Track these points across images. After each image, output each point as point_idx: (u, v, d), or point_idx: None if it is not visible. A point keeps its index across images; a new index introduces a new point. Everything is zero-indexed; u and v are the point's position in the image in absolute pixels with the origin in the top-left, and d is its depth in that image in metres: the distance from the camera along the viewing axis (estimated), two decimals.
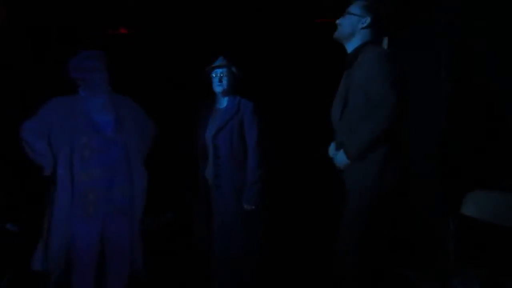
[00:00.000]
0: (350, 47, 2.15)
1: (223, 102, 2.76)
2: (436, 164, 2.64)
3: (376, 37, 2.14)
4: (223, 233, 2.64)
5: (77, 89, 2.36)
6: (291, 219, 3.51)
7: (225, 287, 2.68)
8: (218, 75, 2.72)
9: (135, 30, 3.75)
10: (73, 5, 3.30)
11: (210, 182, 2.71)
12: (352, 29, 2.13)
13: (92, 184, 2.26)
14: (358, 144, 1.98)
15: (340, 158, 2.07)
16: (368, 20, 2.11)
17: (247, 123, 2.65)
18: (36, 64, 3.29)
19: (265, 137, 2.69)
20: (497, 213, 2.07)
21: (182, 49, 3.68)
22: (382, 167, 1.98)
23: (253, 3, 3.45)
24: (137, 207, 2.40)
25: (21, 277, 2.50)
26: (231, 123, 2.65)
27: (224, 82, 2.71)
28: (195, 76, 2.91)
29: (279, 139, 3.34)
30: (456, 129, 2.50)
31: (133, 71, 3.38)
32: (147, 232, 2.50)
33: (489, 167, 2.24)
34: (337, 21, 2.17)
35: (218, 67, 2.73)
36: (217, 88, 2.73)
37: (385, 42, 3.20)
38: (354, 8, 2.15)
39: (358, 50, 2.10)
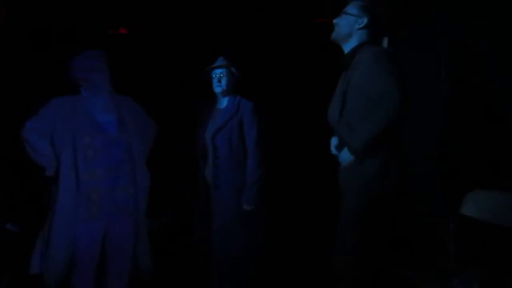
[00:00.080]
0: (347, 48, 2.14)
1: (223, 102, 2.76)
2: (436, 164, 2.64)
3: (373, 38, 2.12)
4: (223, 233, 2.64)
5: (78, 89, 2.36)
6: (290, 219, 3.51)
7: (225, 287, 2.68)
8: (218, 75, 2.72)
9: (135, 30, 3.75)
10: (73, 5, 3.30)
11: (209, 182, 2.71)
12: (349, 29, 2.11)
13: (95, 184, 2.25)
14: (361, 141, 1.95)
15: (344, 155, 2.05)
16: (365, 20, 2.09)
17: (246, 123, 2.65)
18: (36, 64, 3.28)
19: (265, 137, 2.69)
20: (497, 213, 2.07)
21: (182, 49, 3.68)
22: (381, 167, 1.98)
23: (253, 3, 3.45)
24: (140, 207, 2.39)
25: (21, 277, 2.50)
26: (230, 123, 2.66)
27: (223, 82, 2.71)
28: (195, 76, 2.91)
29: (279, 139, 3.34)
30: (456, 129, 2.50)
31: (133, 71, 3.38)
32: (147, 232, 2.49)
33: (489, 167, 2.24)
34: (334, 21, 2.16)
35: (218, 67, 2.73)
36: (217, 89, 2.73)
37: (385, 42, 3.20)
38: (351, 8, 2.14)
39: (355, 51, 2.09)
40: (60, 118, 2.25)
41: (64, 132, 2.23)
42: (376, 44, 2.14)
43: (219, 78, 2.71)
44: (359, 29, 2.10)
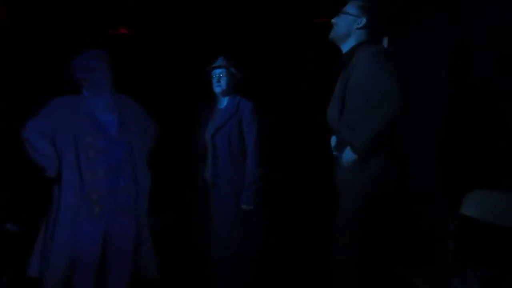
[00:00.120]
0: (345, 47, 2.13)
1: (223, 102, 2.76)
2: (436, 164, 2.64)
3: (371, 38, 2.11)
4: (222, 233, 2.64)
5: (79, 89, 2.36)
6: (290, 219, 3.51)
7: (225, 287, 2.68)
8: (217, 75, 2.72)
9: (135, 30, 3.75)
10: (73, 5, 3.30)
11: (209, 181, 2.71)
12: (348, 29, 2.10)
13: (97, 184, 2.24)
14: (363, 141, 1.94)
15: (346, 155, 2.03)
16: (364, 20, 2.08)
17: (246, 122, 2.65)
18: (36, 64, 3.29)
19: (264, 137, 2.68)
20: (497, 213, 2.07)
21: (182, 49, 3.68)
22: (381, 167, 1.98)
23: (252, 3, 3.45)
24: (142, 207, 2.39)
25: (21, 277, 2.49)
26: (230, 123, 2.66)
27: (223, 82, 2.71)
28: (195, 76, 2.91)
29: (279, 139, 3.34)
30: (456, 129, 2.50)
31: (133, 71, 3.38)
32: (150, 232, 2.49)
33: (489, 167, 2.24)
34: (333, 20, 2.14)
35: (217, 67, 2.73)
36: (216, 89, 2.73)
37: (385, 42, 3.20)
38: (350, 8, 2.12)
39: (353, 50, 2.08)
40: (62, 118, 2.24)
41: (66, 132, 2.23)
42: (375, 43, 2.13)
43: (219, 78, 2.71)
44: (357, 29, 2.09)
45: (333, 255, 2.09)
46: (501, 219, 2.05)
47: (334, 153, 2.18)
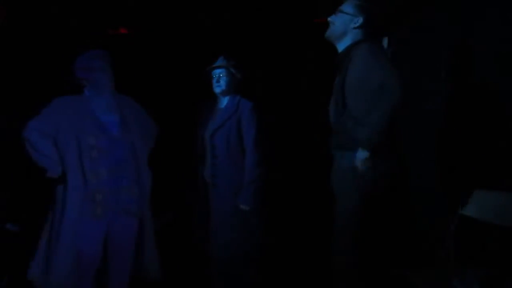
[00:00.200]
0: (341, 46, 2.13)
1: (223, 102, 2.76)
2: (436, 164, 2.64)
3: (367, 37, 2.10)
4: (221, 232, 2.64)
5: (81, 89, 2.35)
6: (290, 219, 3.51)
7: (225, 287, 2.68)
8: (217, 75, 2.72)
9: (135, 30, 3.75)
10: (73, 5, 3.30)
11: (208, 181, 2.71)
12: (344, 28, 2.10)
13: (100, 185, 2.23)
14: (373, 132, 1.92)
15: (360, 155, 1.98)
16: (360, 20, 2.08)
17: (245, 122, 2.64)
18: (36, 64, 3.29)
19: (264, 137, 2.68)
20: (497, 213, 2.06)
21: (183, 49, 3.68)
22: (381, 167, 1.97)
23: (252, 3, 3.45)
24: (145, 207, 2.38)
25: (21, 277, 2.49)
26: (229, 122, 2.65)
27: (222, 82, 2.71)
28: (195, 76, 2.91)
29: (278, 139, 3.34)
30: (456, 129, 2.50)
31: (133, 71, 3.38)
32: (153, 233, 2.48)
33: (489, 167, 2.24)
34: (329, 19, 2.14)
35: (217, 67, 2.73)
36: (216, 89, 2.73)
37: (385, 42, 3.20)
38: (347, 7, 2.12)
39: (349, 49, 2.08)
40: (64, 118, 2.23)
41: (68, 133, 2.22)
42: (371, 42, 2.12)
43: (218, 78, 2.71)
44: (354, 28, 2.09)
45: (333, 255, 2.09)
46: (501, 219, 2.05)
47: (333, 152, 2.17)
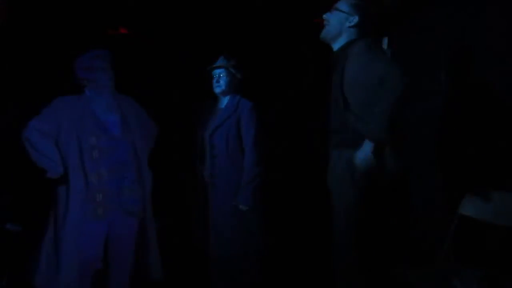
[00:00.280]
0: (336, 46, 2.12)
1: (224, 102, 2.76)
2: (436, 164, 2.64)
3: (363, 37, 2.09)
4: (221, 232, 2.64)
5: (81, 88, 2.35)
6: (290, 218, 3.50)
7: (225, 287, 2.68)
8: (217, 75, 2.72)
9: (135, 30, 3.75)
10: (73, 5, 3.30)
11: (207, 181, 2.71)
12: (340, 27, 2.09)
13: (101, 185, 2.23)
14: (381, 127, 1.89)
15: (365, 149, 1.94)
16: (356, 19, 2.07)
17: (244, 122, 2.64)
18: (37, 64, 3.28)
19: (264, 136, 2.68)
20: (497, 213, 2.07)
21: (183, 49, 3.68)
22: (379, 164, 1.96)
23: (252, 3, 3.45)
24: (147, 207, 2.38)
25: (21, 277, 2.49)
26: (228, 122, 2.65)
27: (222, 82, 2.71)
28: (196, 76, 2.91)
29: (278, 139, 3.34)
30: (456, 129, 2.50)
31: (133, 71, 3.38)
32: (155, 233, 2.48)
33: (489, 167, 2.25)
34: (324, 16, 2.13)
35: (217, 67, 2.73)
36: (216, 89, 2.73)
37: (385, 42, 3.20)
38: (342, 5, 2.11)
39: (345, 47, 2.07)
40: (65, 118, 2.23)
41: (69, 133, 2.21)
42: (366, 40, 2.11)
43: (218, 78, 2.71)
44: (349, 27, 2.08)
45: (333, 255, 2.09)
46: (501, 219, 2.05)
47: (331, 152, 2.16)
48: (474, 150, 2.34)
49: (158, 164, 2.55)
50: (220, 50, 2.83)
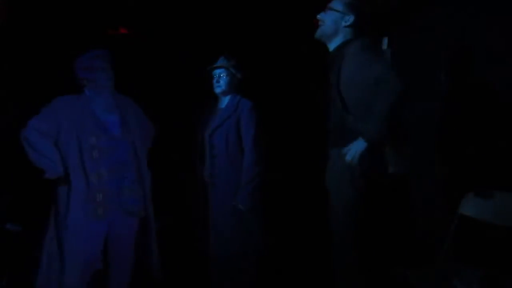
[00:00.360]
0: (332, 46, 2.11)
1: (224, 102, 2.77)
2: (436, 164, 2.64)
3: (359, 36, 2.07)
4: (221, 232, 2.64)
5: (81, 88, 2.35)
6: (290, 218, 3.50)
7: (225, 287, 2.68)
8: (217, 75, 2.72)
9: (135, 30, 3.75)
10: (73, 5, 3.30)
11: (207, 181, 2.71)
12: (335, 27, 2.07)
13: (101, 185, 2.23)
14: (379, 128, 1.88)
15: (355, 147, 1.93)
16: (351, 18, 2.05)
17: (244, 121, 2.64)
18: (37, 64, 3.28)
19: (263, 136, 2.68)
20: (497, 213, 2.07)
21: (183, 49, 3.68)
22: (379, 162, 1.96)
23: (253, 3, 3.45)
24: (148, 207, 2.38)
25: (21, 277, 2.49)
26: (228, 122, 2.65)
27: (222, 82, 2.71)
28: (196, 76, 2.91)
29: (278, 139, 3.34)
30: (455, 129, 2.50)
31: (133, 71, 3.38)
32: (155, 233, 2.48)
33: (489, 167, 2.25)
34: (319, 16, 2.11)
35: (217, 67, 2.73)
36: (216, 89, 2.73)
37: (385, 42, 3.20)
38: (336, 4, 2.09)
39: (340, 47, 2.06)
40: (65, 118, 2.22)
41: (69, 133, 2.21)
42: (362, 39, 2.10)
43: (218, 78, 2.71)
44: (345, 26, 2.07)
45: (333, 255, 2.09)
46: (501, 219, 2.06)
47: (330, 151, 2.16)
48: (474, 150, 2.34)
49: (158, 164, 2.55)
50: (220, 50, 2.83)
